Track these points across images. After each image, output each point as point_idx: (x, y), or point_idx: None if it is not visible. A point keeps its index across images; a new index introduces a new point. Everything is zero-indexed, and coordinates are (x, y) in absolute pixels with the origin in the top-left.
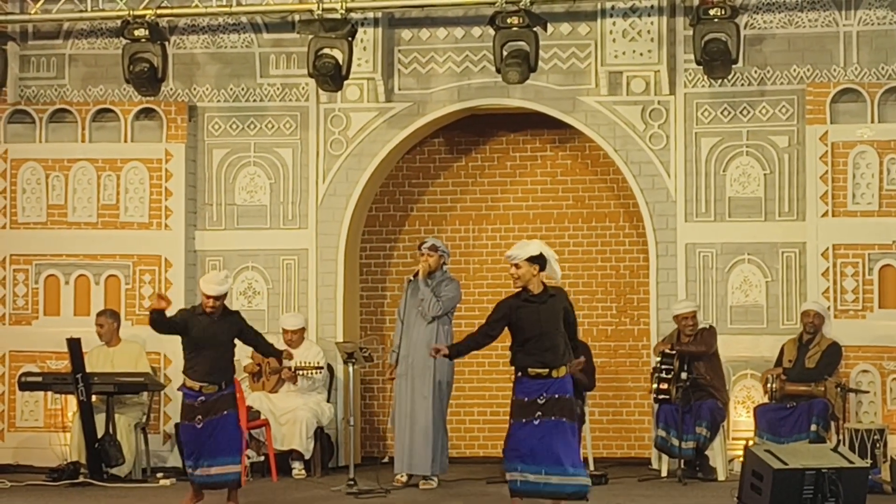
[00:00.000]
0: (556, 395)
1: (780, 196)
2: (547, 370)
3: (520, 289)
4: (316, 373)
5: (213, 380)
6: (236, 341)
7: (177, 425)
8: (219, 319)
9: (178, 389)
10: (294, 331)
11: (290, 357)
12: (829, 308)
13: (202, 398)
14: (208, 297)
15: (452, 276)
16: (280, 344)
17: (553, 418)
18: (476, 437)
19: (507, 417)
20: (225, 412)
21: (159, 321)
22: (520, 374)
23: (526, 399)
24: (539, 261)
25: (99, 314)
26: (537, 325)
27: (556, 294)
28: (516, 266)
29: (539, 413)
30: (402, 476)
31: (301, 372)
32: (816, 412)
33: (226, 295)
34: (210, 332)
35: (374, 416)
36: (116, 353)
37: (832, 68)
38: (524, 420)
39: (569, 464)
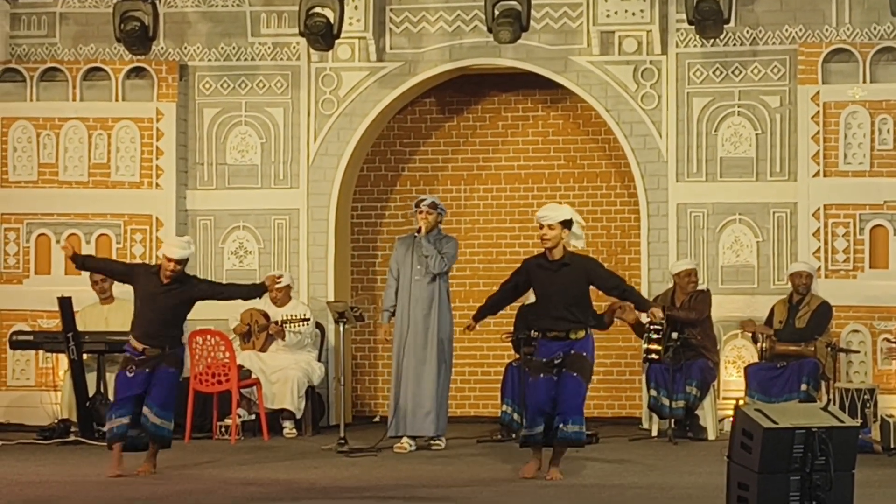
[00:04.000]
0: (573, 352)
1: (772, 156)
2: (564, 333)
3: (543, 250)
4: (303, 325)
5: (154, 343)
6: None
7: None
8: (168, 285)
9: (123, 349)
10: (279, 288)
11: (274, 280)
12: (819, 268)
13: (142, 357)
14: (169, 260)
15: (447, 234)
16: (267, 303)
17: (565, 371)
18: (467, 397)
19: (499, 378)
20: (163, 365)
21: (79, 263)
22: (540, 335)
23: (545, 360)
24: (569, 226)
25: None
26: (546, 292)
27: (571, 263)
28: (549, 227)
29: (555, 371)
30: (406, 443)
31: (288, 325)
32: (807, 372)
33: (186, 261)
34: (154, 293)
35: (364, 375)
36: (111, 310)
37: (824, 28)
38: (542, 375)
39: (569, 414)
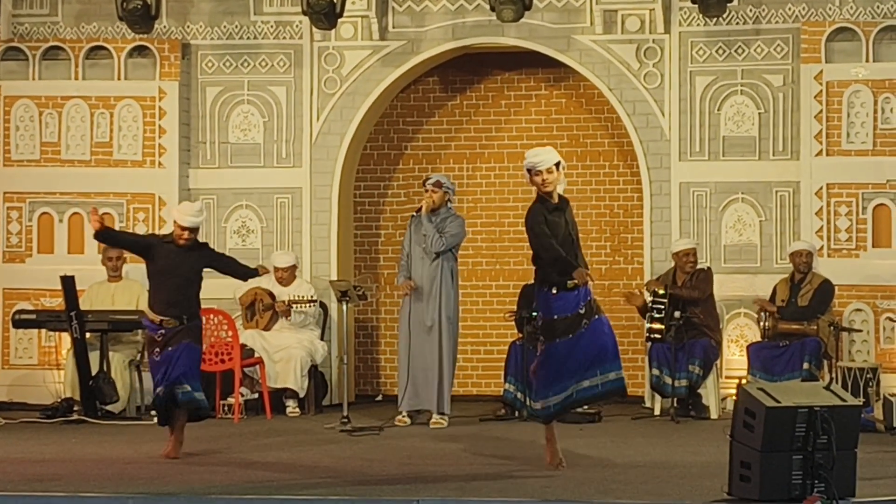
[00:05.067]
0: (590, 298)
1: (775, 135)
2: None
3: (537, 200)
4: (309, 306)
5: (173, 313)
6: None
7: None
8: (186, 251)
9: (141, 320)
10: (285, 268)
11: (265, 271)
12: (822, 247)
13: (162, 332)
14: (182, 228)
15: (457, 213)
16: (272, 283)
17: (595, 317)
18: (469, 376)
19: (502, 357)
20: (183, 341)
21: (105, 237)
22: (555, 290)
23: (569, 315)
24: (558, 166)
25: (110, 248)
26: (569, 234)
27: (567, 199)
28: (548, 171)
29: (585, 322)
30: (404, 416)
31: (295, 305)
32: (809, 351)
33: (198, 228)
34: (175, 262)
35: (367, 354)
36: (118, 288)
37: (827, 7)
38: (570, 336)
39: (615, 359)
